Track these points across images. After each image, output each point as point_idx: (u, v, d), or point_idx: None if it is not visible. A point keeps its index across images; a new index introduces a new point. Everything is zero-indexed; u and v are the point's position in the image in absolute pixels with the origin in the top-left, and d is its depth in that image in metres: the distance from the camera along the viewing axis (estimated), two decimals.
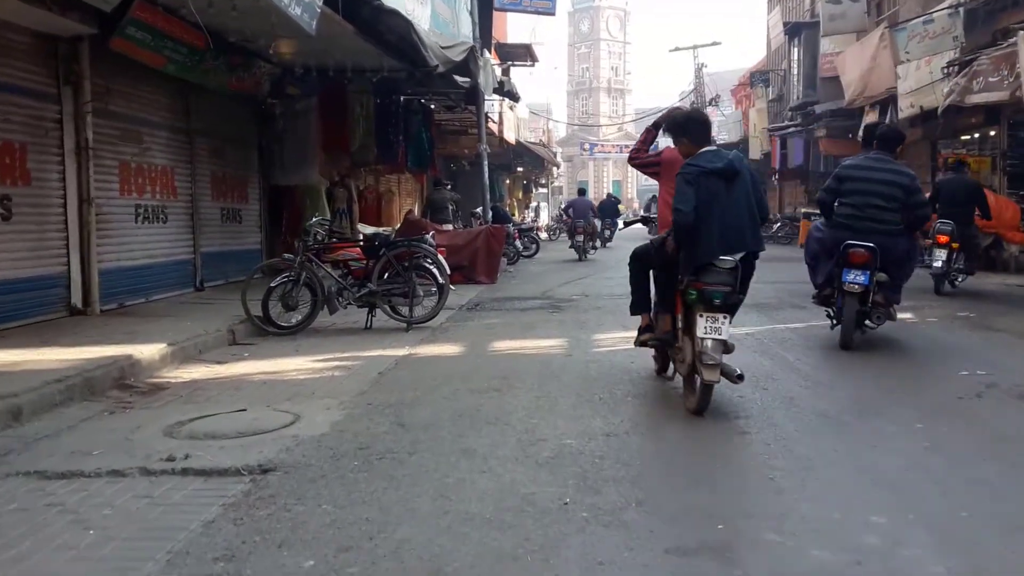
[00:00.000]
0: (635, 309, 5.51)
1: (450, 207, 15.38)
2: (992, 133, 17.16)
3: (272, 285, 8.16)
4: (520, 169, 36.13)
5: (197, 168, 11.14)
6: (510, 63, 24.11)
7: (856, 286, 6.28)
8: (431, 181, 19.78)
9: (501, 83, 14.10)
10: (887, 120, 19.45)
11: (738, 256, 4.56)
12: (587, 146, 61.59)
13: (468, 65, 11.07)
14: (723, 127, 47.44)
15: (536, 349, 6.85)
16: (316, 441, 4.10)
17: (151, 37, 8.57)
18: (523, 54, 24.40)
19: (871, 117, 21.36)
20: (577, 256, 18.90)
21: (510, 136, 24.62)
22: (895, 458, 3.79)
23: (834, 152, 24.56)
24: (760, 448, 3.97)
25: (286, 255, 8.17)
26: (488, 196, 15.70)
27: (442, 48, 10.25)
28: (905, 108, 18.13)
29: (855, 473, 3.60)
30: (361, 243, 8.26)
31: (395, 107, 13.39)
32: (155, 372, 6.01)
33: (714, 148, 4.87)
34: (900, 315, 7.07)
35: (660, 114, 6.05)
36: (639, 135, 5.94)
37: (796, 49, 29.86)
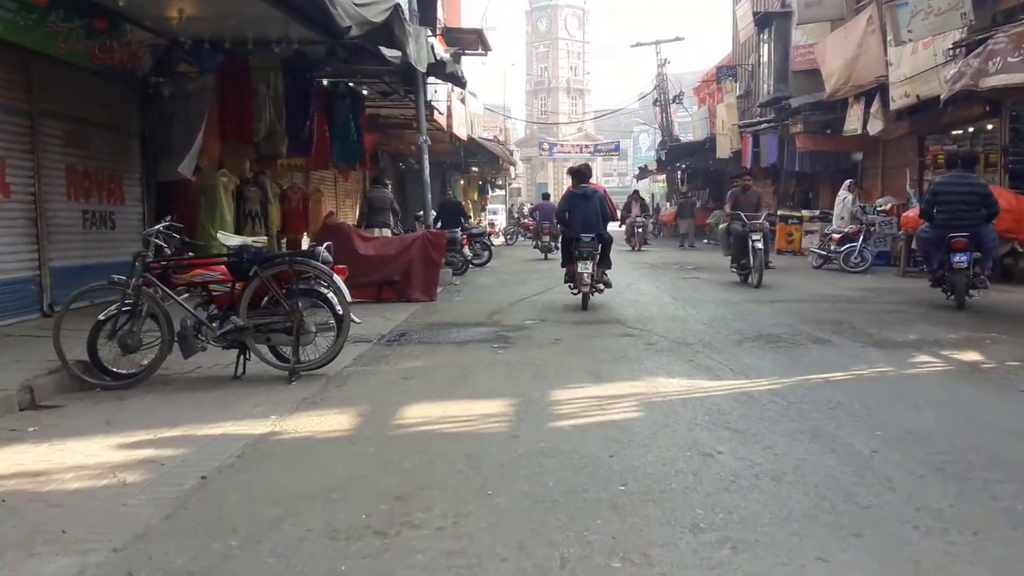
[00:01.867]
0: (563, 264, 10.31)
1: (391, 208, 13.05)
2: (990, 127, 15.35)
3: (101, 319, 5.78)
4: (475, 169, 33.78)
5: (43, 160, 8.65)
6: (460, 50, 21.78)
7: (962, 264, 8.78)
8: (370, 179, 17.45)
9: (442, 62, 11.87)
10: (872, 110, 17.69)
11: (592, 234, 9.50)
12: (546, 146, 59.40)
13: (393, 31, 8.78)
14: (686, 127, 45.84)
15: (466, 420, 4.56)
16: None
17: None
18: (474, 41, 22.09)
19: (856, 110, 19.63)
20: (542, 255, 20.38)
21: (461, 132, 22.29)
22: None
23: (812, 148, 22.78)
24: None
25: (115, 277, 5.78)
26: (430, 196, 13.39)
27: (356, 6, 7.96)
28: (898, 98, 16.27)
29: None
30: (226, 259, 5.89)
31: (309, 88, 11.00)
32: None
33: (584, 185, 9.94)
34: (964, 355, 6.26)
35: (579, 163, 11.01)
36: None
37: (766, 42, 28.17)
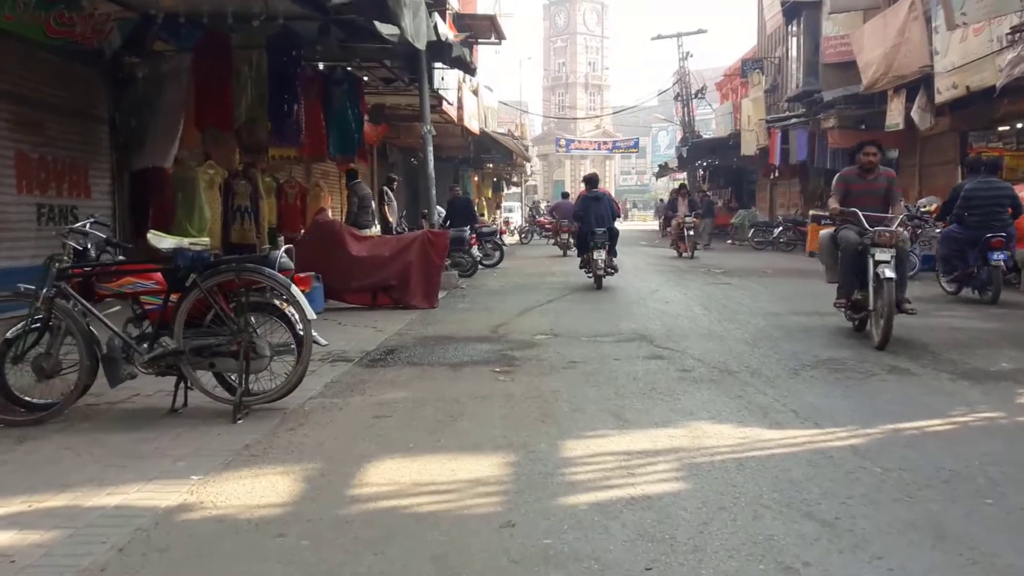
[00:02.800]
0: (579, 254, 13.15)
1: (372, 206, 11.90)
2: None
3: (8, 337, 4.67)
4: (489, 165, 32.60)
5: None
6: (472, 38, 20.61)
7: (1000, 261, 9.29)
8: (345, 175, 16.25)
9: (447, 43, 10.70)
10: (919, 103, 16.34)
11: (604, 228, 11.80)
12: (563, 142, 58.06)
13: (386, 2, 7.63)
14: (707, 125, 44.27)
15: (447, 491, 3.37)
16: None
17: None
18: (487, 28, 20.93)
19: (897, 103, 18.29)
20: (561, 252, 21.00)
21: (473, 125, 21.12)
22: None
23: (844, 145, 21.39)
24: None
25: (22, 286, 4.66)
26: (434, 191, 12.23)
27: None
28: (944, 89, 14.92)
29: None
30: (164, 264, 4.75)
31: (296, 70, 9.83)
32: None
33: (595, 189, 12.52)
34: None
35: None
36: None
37: (795, 33, 26.84)
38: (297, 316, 4.66)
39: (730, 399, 4.82)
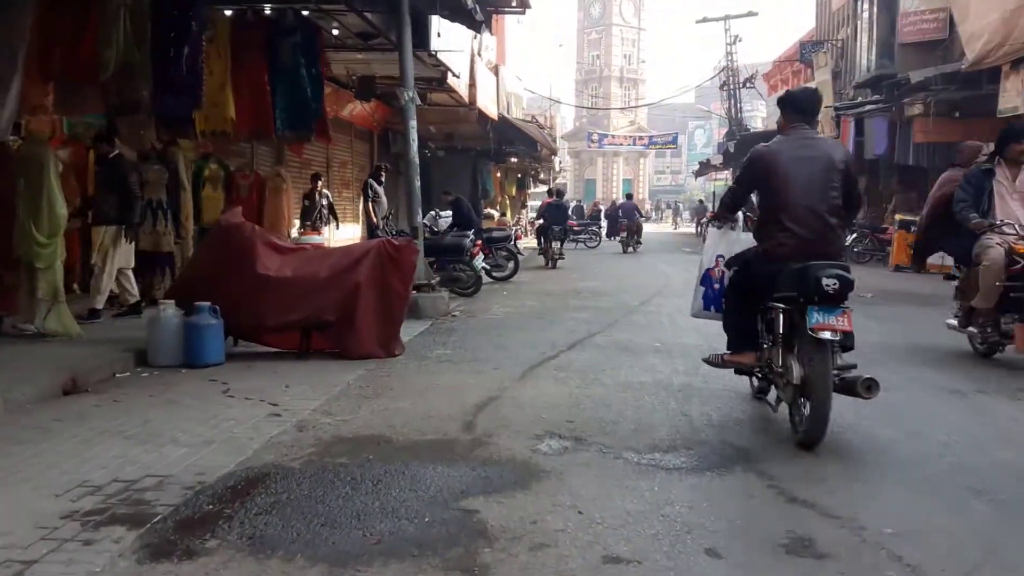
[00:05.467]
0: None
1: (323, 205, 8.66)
2: None
3: None
4: (513, 159, 29.11)
5: None
6: (491, 6, 17.23)
7: None
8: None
9: None
10: None
11: (560, 226, 17.45)
12: (596, 137, 54.40)
13: None
14: (750, 121, 40.17)
15: None
16: None
17: None
18: None
19: (1014, 82, 14.60)
20: (622, 249, 22.58)
21: (489, 108, 17.74)
22: None
23: (934, 137, 17.70)
24: None
25: None
26: (416, 184, 8.86)
27: None
28: None
29: None
30: None
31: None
32: None
33: (558, 199, 19.05)
34: None
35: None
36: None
37: (866, 9, 23.24)
38: None
39: None
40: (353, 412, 4.69)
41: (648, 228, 27.22)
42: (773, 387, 4.40)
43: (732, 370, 4.72)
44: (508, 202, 31.49)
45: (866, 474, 3.57)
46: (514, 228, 19.94)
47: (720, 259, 4.96)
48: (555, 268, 16.18)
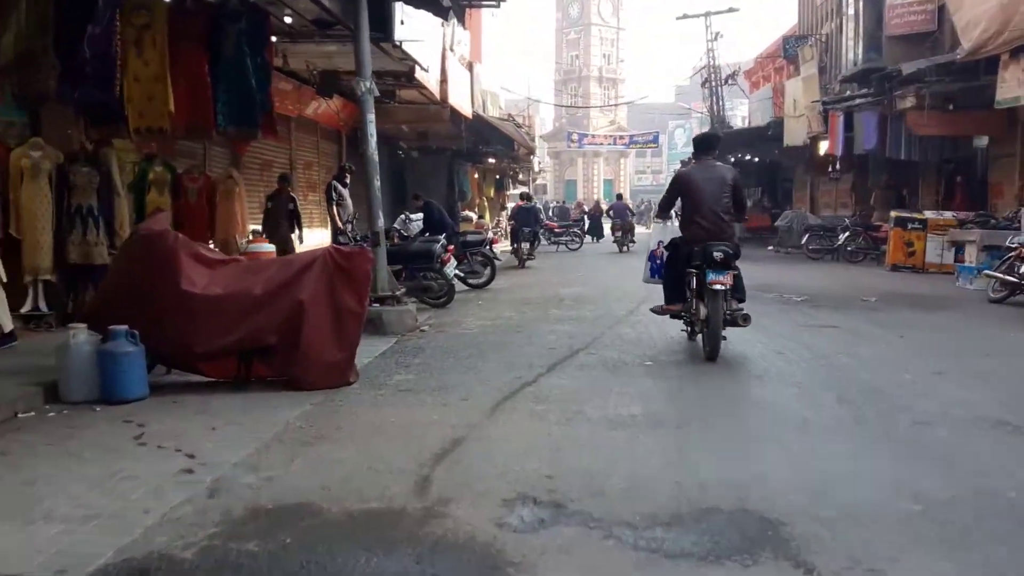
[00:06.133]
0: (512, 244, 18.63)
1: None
2: None
3: None
4: (491, 160, 28.25)
5: None
6: (467, 2, 16.37)
7: None
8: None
9: None
10: None
11: (530, 229, 18.35)
12: (575, 137, 53.62)
13: None
14: (733, 120, 39.55)
15: None
16: None
17: None
18: None
19: (1013, 72, 13.94)
20: (617, 249, 22.42)
21: (463, 105, 16.89)
22: None
23: (928, 131, 17.06)
24: None
25: None
26: (376, 184, 7.97)
27: None
28: None
29: None
30: None
31: None
32: None
33: (528, 203, 19.53)
34: None
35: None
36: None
37: (852, 2, 22.63)
38: None
39: None
40: (284, 466, 3.82)
41: (638, 229, 26.65)
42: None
43: (669, 316, 6.81)
44: (487, 204, 30.64)
45: None
46: (492, 231, 19.11)
47: (660, 243, 7.25)
48: (524, 268, 17.16)
